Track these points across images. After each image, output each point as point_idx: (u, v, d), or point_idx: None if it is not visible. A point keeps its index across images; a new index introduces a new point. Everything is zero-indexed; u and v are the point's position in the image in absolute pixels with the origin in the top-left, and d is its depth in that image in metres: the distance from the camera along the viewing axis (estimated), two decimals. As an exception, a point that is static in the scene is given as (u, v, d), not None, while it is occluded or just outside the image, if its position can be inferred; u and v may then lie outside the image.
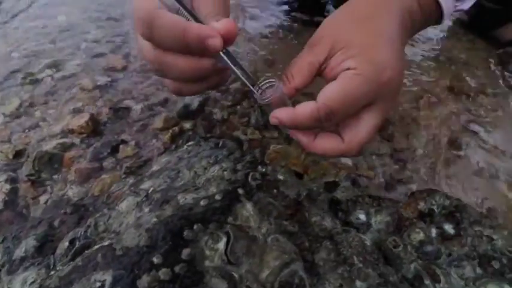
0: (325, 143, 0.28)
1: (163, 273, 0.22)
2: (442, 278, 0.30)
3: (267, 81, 0.27)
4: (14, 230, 0.32)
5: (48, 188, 0.46)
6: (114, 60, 0.63)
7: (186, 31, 0.22)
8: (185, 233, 0.25)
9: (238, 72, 0.25)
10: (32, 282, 0.26)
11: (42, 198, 0.44)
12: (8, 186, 0.44)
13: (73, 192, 0.45)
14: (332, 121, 0.26)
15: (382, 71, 0.25)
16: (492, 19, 0.66)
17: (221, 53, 0.24)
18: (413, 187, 0.45)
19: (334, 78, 0.27)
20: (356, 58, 0.25)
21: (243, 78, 0.26)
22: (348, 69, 0.26)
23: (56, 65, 0.62)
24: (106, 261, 0.23)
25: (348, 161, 0.50)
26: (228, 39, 0.23)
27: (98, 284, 0.21)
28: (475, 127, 0.55)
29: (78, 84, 0.57)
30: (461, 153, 0.54)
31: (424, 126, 0.55)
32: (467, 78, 0.63)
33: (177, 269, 0.22)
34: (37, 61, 0.63)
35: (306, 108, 0.25)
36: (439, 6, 0.31)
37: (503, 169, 0.50)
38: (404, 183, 0.49)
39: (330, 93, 0.25)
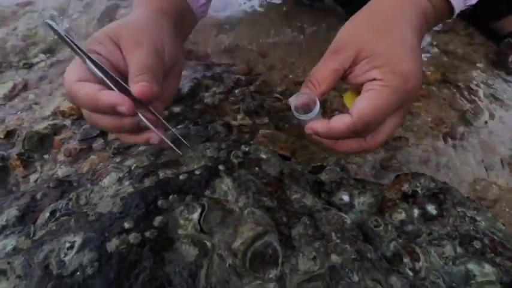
0: (349, 144, 0.30)
1: (132, 238, 0.22)
2: (421, 256, 0.29)
3: (304, 94, 0.29)
4: (-3, 201, 0.33)
5: (38, 167, 0.47)
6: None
7: (98, 101, 0.25)
8: (159, 202, 0.26)
9: (157, 133, 0.28)
10: (12, 249, 0.27)
11: (32, 177, 0.45)
12: (-2, 164, 0.45)
13: (62, 171, 0.46)
14: (368, 132, 0.28)
15: (407, 81, 0.27)
16: (494, 10, 0.65)
17: (140, 115, 0.27)
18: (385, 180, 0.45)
19: (358, 85, 0.29)
20: (381, 69, 0.27)
21: (165, 139, 0.29)
22: (374, 79, 0.27)
23: (50, 51, 0.63)
24: (78, 225, 0.23)
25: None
26: (145, 100, 0.27)
27: (68, 245, 0.21)
28: (468, 118, 0.55)
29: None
30: (454, 143, 0.53)
31: (417, 116, 0.54)
32: (462, 70, 0.62)
33: (147, 234, 0.23)
34: (32, 46, 0.64)
35: (342, 123, 0.27)
36: (449, 3, 0.32)
37: (496, 160, 0.50)
38: (393, 170, 0.48)
39: (363, 108, 0.27)
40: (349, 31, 0.29)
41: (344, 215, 0.32)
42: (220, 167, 0.32)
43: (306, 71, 0.61)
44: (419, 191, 0.34)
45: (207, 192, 0.29)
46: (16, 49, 0.62)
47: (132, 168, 0.34)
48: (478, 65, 0.62)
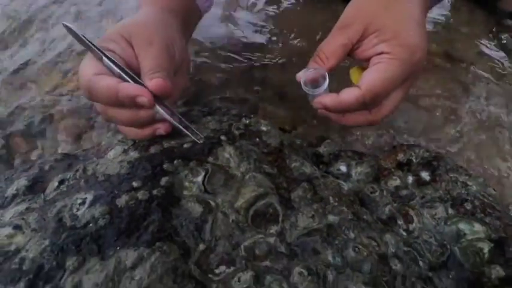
0: (355, 117, 0.31)
1: (141, 194, 0.23)
2: (414, 218, 0.31)
3: (313, 69, 0.30)
4: (7, 173, 0.34)
5: (39, 144, 0.48)
6: (106, 25, 0.64)
7: (119, 92, 0.26)
8: (165, 165, 0.27)
9: (174, 122, 0.29)
10: (20, 213, 0.28)
11: (34, 154, 0.46)
12: (2, 142, 0.46)
13: (63, 148, 0.47)
14: (375, 104, 0.29)
15: (414, 53, 0.28)
16: None
17: (157, 106, 0.27)
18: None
19: (365, 59, 0.30)
20: (389, 42, 0.28)
21: (181, 127, 0.29)
22: (382, 53, 0.28)
23: (46, 29, 0.62)
24: (88, 185, 0.24)
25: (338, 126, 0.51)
26: (161, 95, 0.27)
27: (79, 201, 0.22)
28: (470, 94, 0.55)
29: (69, 48, 0.58)
30: (456, 120, 0.54)
31: (420, 95, 0.55)
32: (463, 46, 0.62)
33: (154, 192, 0.24)
34: (29, 24, 0.64)
35: (351, 95, 0.28)
36: None
37: (500, 137, 0.51)
38: (392, 145, 0.49)
39: (372, 80, 0.28)
40: (357, 6, 0.30)
41: (341, 181, 0.33)
42: (222, 137, 0.33)
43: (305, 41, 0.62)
44: (414, 160, 0.35)
45: (210, 159, 0.30)
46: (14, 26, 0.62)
47: (137, 140, 0.35)
48: (476, 41, 0.62)
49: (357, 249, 0.26)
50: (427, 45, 0.30)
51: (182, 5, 0.38)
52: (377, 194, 0.33)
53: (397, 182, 0.33)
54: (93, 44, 0.28)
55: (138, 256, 0.19)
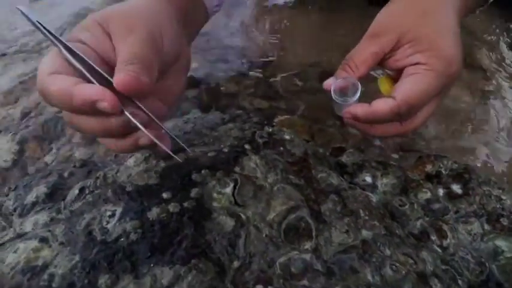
0: (385, 128, 0.30)
1: (172, 207, 0.22)
2: (448, 233, 0.29)
3: (344, 78, 0.29)
4: (25, 179, 0.33)
5: (54, 149, 0.47)
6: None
7: (73, 97, 0.20)
8: (193, 176, 0.26)
9: (147, 133, 0.22)
10: (44, 224, 0.27)
11: (48, 159, 0.45)
12: (16, 147, 0.45)
13: (79, 153, 0.46)
14: (410, 115, 0.28)
15: (450, 65, 0.27)
16: None
17: (126, 112, 0.21)
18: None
19: (397, 69, 0.29)
20: (426, 53, 0.27)
21: (154, 139, 0.22)
22: (417, 63, 0.27)
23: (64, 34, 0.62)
24: (116, 196, 0.23)
25: (356, 132, 0.50)
26: (133, 94, 0.21)
27: (109, 213, 0.21)
28: (490, 100, 0.54)
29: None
30: (475, 126, 0.53)
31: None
32: (483, 54, 0.61)
33: (185, 204, 0.23)
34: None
35: (385, 106, 0.27)
36: None
37: None
38: (413, 152, 0.48)
39: (408, 91, 0.26)
40: (391, 14, 0.29)
41: (370, 193, 0.32)
42: (246, 146, 0.32)
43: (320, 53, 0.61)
44: (443, 172, 0.34)
45: (237, 169, 0.29)
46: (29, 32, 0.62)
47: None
48: (497, 45, 0.61)
49: (394, 267, 0.24)
50: (463, 57, 0.29)
51: None
52: (407, 207, 0.32)
53: (428, 194, 0.32)
54: (49, 32, 0.22)
55: (175, 274, 0.18)
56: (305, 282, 0.21)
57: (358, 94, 0.29)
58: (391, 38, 0.28)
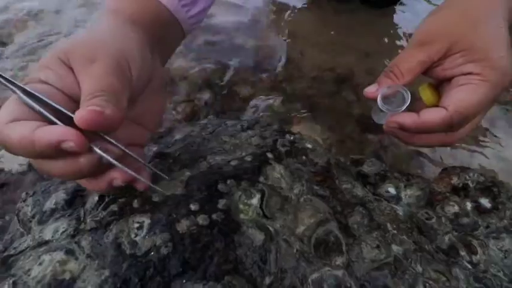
0: (430, 137, 0.29)
1: (201, 219, 0.21)
2: (479, 249, 0.29)
3: (391, 86, 0.28)
4: (43, 185, 0.33)
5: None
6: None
7: (35, 143, 0.18)
8: (219, 186, 0.25)
9: (121, 167, 0.20)
10: (64, 231, 0.26)
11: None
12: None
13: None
14: (461, 126, 0.27)
15: (504, 76, 0.26)
16: None
17: (95, 149, 0.19)
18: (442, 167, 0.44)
19: (444, 78, 0.28)
20: (479, 63, 0.26)
21: (134, 174, 0.21)
22: (470, 73, 0.26)
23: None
24: (143, 207, 0.23)
25: (373, 138, 0.50)
26: (100, 129, 0.19)
27: (136, 225, 0.21)
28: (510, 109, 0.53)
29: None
30: (496, 135, 0.52)
31: None
32: None
33: (214, 216, 0.22)
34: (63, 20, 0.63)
35: (436, 116, 0.26)
36: None
37: None
38: (433, 162, 0.47)
39: (462, 101, 0.26)
40: (441, 23, 0.28)
41: (395, 206, 0.31)
42: (269, 155, 0.32)
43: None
44: (470, 184, 0.33)
45: (261, 179, 0.28)
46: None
47: (176, 155, 0.33)
48: None
49: (427, 285, 0.24)
50: None
51: (151, 16, 0.30)
52: (434, 220, 0.31)
53: (456, 208, 0.31)
54: (2, 76, 0.20)
55: (209, 293, 0.17)
56: (339, 301, 0.20)
57: (408, 103, 0.27)
58: (441, 47, 0.27)
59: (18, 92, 0.20)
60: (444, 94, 0.28)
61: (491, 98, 0.26)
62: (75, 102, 0.21)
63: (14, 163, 0.42)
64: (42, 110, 0.19)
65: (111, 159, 0.20)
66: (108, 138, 0.21)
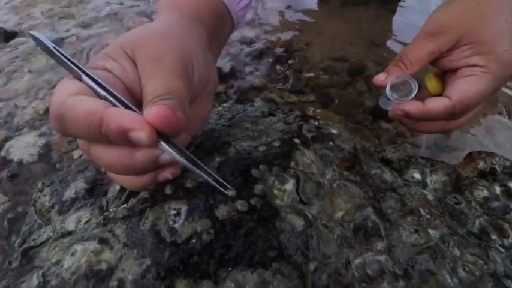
0: (432, 124, 0.31)
1: (240, 205, 0.20)
2: (510, 233, 0.28)
3: (400, 76, 0.29)
4: (60, 174, 0.31)
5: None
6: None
7: (104, 122, 0.17)
8: (253, 171, 0.24)
9: (197, 170, 0.19)
10: (87, 221, 0.25)
11: (76, 153, 0.43)
12: (42, 141, 0.43)
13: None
14: (462, 115, 0.29)
15: (507, 69, 0.27)
16: None
17: (163, 144, 0.18)
18: (461, 154, 0.44)
19: (450, 69, 0.29)
20: (485, 56, 0.27)
21: (205, 176, 0.19)
22: (475, 65, 0.27)
23: (82, 25, 0.59)
24: (177, 193, 0.21)
25: (389, 127, 0.49)
26: (167, 131, 0.18)
27: (173, 212, 0.20)
28: None
29: (105, 45, 0.55)
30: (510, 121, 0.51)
31: None
32: None
33: (252, 201, 0.21)
34: (63, 21, 0.61)
35: (439, 105, 0.27)
36: None
37: None
38: (451, 149, 0.47)
39: (465, 92, 0.27)
40: (451, 14, 0.29)
41: (425, 191, 0.31)
42: (296, 140, 0.31)
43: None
44: (498, 169, 0.33)
45: (292, 164, 0.27)
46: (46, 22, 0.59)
47: (197, 142, 0.32)
48: None
49: (467, 268, 0.23)
50: None
51: (211, 12, 0.29)
52: (463, 205, 0.31)
53: (485, 192, 0.31)
54: (68, 59, 0.20)
55: (259, 280, 0.17)
56: (385, 285, 0.20)
57: (415, 93, 0.29)
58: (450, 38, 0.28)
59: (82, 75, 0.19)
60: (448, 84, 0.29)
61: (493, 90, 0.27)
62: (133, 97, 0.20)
63: (24, 153, 0.40)
64: (108, 95, 0.18)
65: (177, 156, 0.18)
66: (171, 139, 0.19)
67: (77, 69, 0.19)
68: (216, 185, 0.20)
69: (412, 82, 0.29)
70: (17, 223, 0.37)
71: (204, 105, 0.26)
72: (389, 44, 0.63)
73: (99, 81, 0.19)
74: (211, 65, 0.27)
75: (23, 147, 0.43)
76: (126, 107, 0.19)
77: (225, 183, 0.21)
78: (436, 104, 0.28)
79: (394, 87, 0.30)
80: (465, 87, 0.27)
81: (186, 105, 0.20)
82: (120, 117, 0.17)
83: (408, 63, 0.29)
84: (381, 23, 0.68)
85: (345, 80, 0.55)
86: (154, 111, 0.17)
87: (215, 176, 0.21)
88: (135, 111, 0.18)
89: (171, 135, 0.19)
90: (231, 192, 0.21)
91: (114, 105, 0.18)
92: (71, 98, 0.18)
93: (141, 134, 0.17)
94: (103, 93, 0.18)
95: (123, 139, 0.17)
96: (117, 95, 0.19)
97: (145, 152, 0.18)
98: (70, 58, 0.20)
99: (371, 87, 0.54)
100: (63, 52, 0.20)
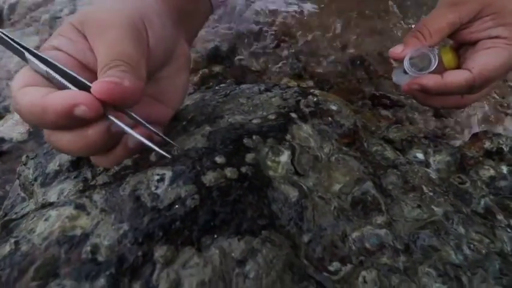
0: (446, 99, 0.29)
1: (229, 172, 0.19)
2: (518, 213, 0.27)
3: (419, 48, 0.27)
4: (45, 147, 0.30)
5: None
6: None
7: (46, 109, 0.16)
8: (245, 140, 0.22)
9: (136, 135, 0.18)
10: (76, 192, 0.24)
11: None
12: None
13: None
14: (482, 89, 0.27)
15: None
16: None
17: (110, 116, 0.18)
18: (457, 142, 0.42)
19: (471, 41, 0.28)
20: (509, 27, 0.25)
21: (148, 143, 0.18)
22: (497, 37, 0.26)
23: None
24: (163, 161, 0.20)
25: (388, 114, 0.48)
26: (113, 102, 0.17)
27: (157, 177, 0.18)
28: None
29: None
30: (509, 111, 0.50)
31: None
32: None
33: (243, 169, 0.20)
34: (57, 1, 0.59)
35: (459, 77, 0.26)
36: None
37: None
38: (449, 136, 0.46)
39: (487, 64, 0.26)
40: None
41: (428, 169, 0.29)
42: (293, 115, 0.29)
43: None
44: (505, 149, 0.31)
45: (288, 137, 0.25)
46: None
47: (190, 117, 0.30)
48: None
49: (472, 246, 0.22)
50: None
51: None
52: (468, 184, 0.29)
53: (491, 172, 0.29)
54: (15, 41, 0.19)
55: (246, 247, 0.15)
56: (385, 259, 0.18)
57: (435, 66, 0.27)
58: (473, 8, 0.26)
59: (29, 56, 0.18)
60: (468, 57, 0.27)
61: None
62: (91, 72, 0.20)
63: (14, 131, 0.38)
64: (54, 74, 0.18)
65: (122, 125, 0.17)
66: (128, 111, 0.19)
67: (25, 51, 0.18)
68: (156, 148, 0.18)
69: (431, 54, 0.27)
70: (5, 199, 0.36)
71: (178, 78, 0.26)
72: (392, 31, 0.61)
73: (44, 56, 0.18)
74: (177, 36, 0.26)
75: (13, 126, 0.41)
76: (74, 79, 0.18)
77: (174, 143, 0.20)
78: (456, 77, 0.26)
79: (410, 61, 0.28)
80: (487, 59, 0.26)
81: (140, 68, 0.19)
82: (60, 98, 0.17)
83: (427, 34, 0.27)
84: (384, 8, 0.65)
85: (345, 67, 0.53)
86: (96, 87, 0.17)
87: (165, 138, 0.20)
88: (84, 82, 0.18)
89: (125, 105, 0.18)
90: (178, 151, 0.20)
91: (63, 84, 0.18)
92: (18, 92, 0.18)
93: (83, 108, 0.16)
94: (51, 72, 0.18)
95: (71, 120, 0.17)
96: (68, 71, 0.18)
97: (95, 127, 0.18)
98: (19, 42, 0.19)
99: (371, 75, 0.52)
100: (11, 36, 0.19)
